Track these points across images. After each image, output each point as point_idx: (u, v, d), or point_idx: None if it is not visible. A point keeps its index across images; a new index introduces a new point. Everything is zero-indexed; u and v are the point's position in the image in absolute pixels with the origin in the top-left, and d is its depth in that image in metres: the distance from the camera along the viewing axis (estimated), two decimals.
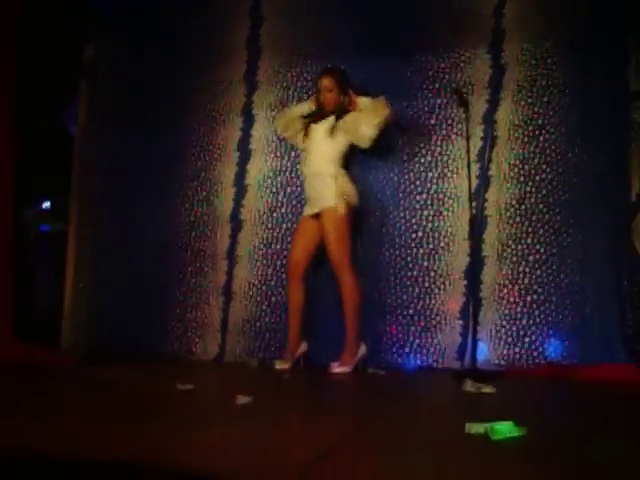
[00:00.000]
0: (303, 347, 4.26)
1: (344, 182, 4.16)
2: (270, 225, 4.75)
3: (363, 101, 4.21)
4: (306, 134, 4.31)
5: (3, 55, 4.54)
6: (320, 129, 4.24)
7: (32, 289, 5.76)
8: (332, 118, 4.23)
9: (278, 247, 4.71)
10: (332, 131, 4.21)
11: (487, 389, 3.26)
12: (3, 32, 4.54)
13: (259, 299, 4.71)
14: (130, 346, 4.76)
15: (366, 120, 4.14)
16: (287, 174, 4.74)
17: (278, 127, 4.52)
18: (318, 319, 4.43)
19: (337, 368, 4.03)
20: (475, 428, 2.33)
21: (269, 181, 4.79)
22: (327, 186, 4.15)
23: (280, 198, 4.75)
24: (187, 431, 2.22)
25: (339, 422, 2.54)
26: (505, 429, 2.30)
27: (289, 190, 4.70)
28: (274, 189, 4.77)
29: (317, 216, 4.20)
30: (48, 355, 4.44)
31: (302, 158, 4.37)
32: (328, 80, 4.26)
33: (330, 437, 2.22)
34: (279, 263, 4.68)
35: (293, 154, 4.76)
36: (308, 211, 4.28)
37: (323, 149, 4.22)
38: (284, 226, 4.72)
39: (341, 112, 4.24)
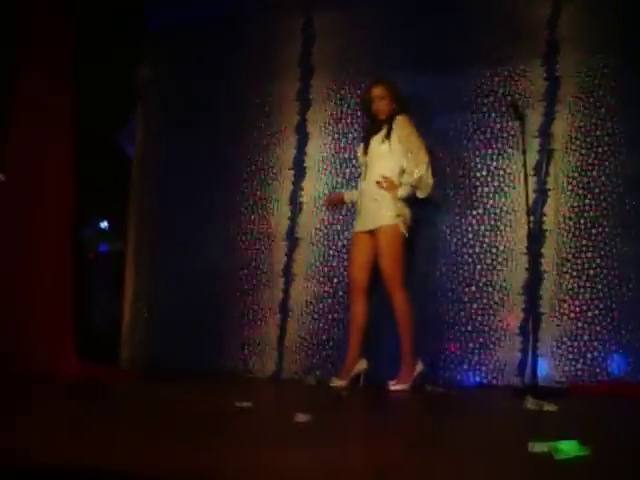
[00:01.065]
0: (363, 365, 4.22)
1: (402, 203, 4.11)
2: (326, 242, 4.75)
3: (408, 139, 4.15)
4: (365, 149, 4.27)
5: (62, 79, 4.68)
6: (376, 143, 4.20)
7: (91, 308, 5.88)
8: (386, 128, 4.18)
9: (334, 264, 4.71)
10: (387, 138, 4.15)
11: (549, 407, 3.19)
12: (61, 55, 4.66)
13: (316, 316, 4.71)
14: (187, 363, 4.81)
15: (415, 175, 4.10)
16: (342, 191, 4.72)
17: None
18: (376, 337, 4.40)
19: (394, 386, 3.99)
20: (539, 447, 2.27)
21: (324, 198, 4.79)
22: (384, 203, 4.10)
23: (335, 215, 4.75)
24: (247, 449, 2.22)
25: (399, 441, 2.52)
26: (570, 448, 2.25)
27: (344, 207, 4.69)
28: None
29: (371, 232, 4.16)
30: (107, 373, 4.51)
31: (362, 172, 4.32)
32: (379, 89, 4.23)
33: (391, 456, 2.19)
34: (335, 280, 4.67)
35: (348, 171, 4.76)
36: (361, 227, 4.22)
37: (381, 164, 4.16)
38: (339, 243, 4.72)
39: (391, 120, 4.19)
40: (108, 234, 7.17)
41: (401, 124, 4.17)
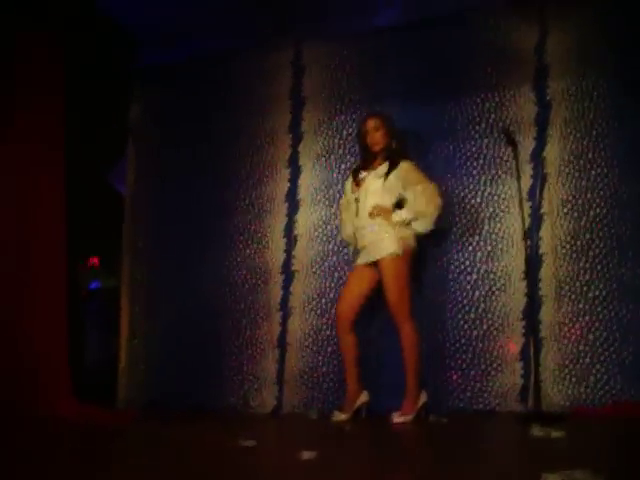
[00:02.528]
0: (364, 397, 4.17)
1: (401, 227, 4.08)
2: (322, 274, 4.73)
3: (415, 176, 4.15)
4: (357, 183, 4.25)
5: (52, 119, 4.66)
6: (373, 178, 4.17)
7: (86, 347, 5.82)
8: (386, 164, 4.17)
9: (331, 296, 4.68)
10: (386, 176, 4.13)
11: (556, 433, 3.16)
12: (50, 95, 4.66)
13: (315, 349, 4.67)
14: (186, 401, 4.78)
15: (421, 207, 4.08)
16: (336, 222, 4.71)
17: (346, 232, 4.39)
18: (378, 368, 4.37)
19: (398, 418, 3.94)
20: (552, 478, 2.24)
21: (319, 230, 4.78)
22: (384, 234, 4.08)
23: (331, 247, 4.73)
24: None
25: (408, 476, 2.48)
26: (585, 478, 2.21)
27: (339, 239, 4.66)
28: (324, 238, 4.76)
29: (372, 264, 4.13)
30: (104, 414, 4.44)
31: (352, 208, 4.24)
32: (374, 120, 4.24)
33: None
34: (333, 312, 4.62)
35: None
36: (362, 260, 4.19)
37: (377, 199, 4.13)
38: (336, 275, 4.70)
39: (393, 158, 4.18)
40: (99, 271, 7.14)
41: (408, 167, 4.16)
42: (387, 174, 4.13)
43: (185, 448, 3.16)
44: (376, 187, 4.15)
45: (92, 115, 5.01)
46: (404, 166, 4.15)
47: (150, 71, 5.40)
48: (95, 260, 7.18)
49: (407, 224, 4.10)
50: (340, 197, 4.66)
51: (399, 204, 4.16)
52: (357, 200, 4.21)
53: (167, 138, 5.32)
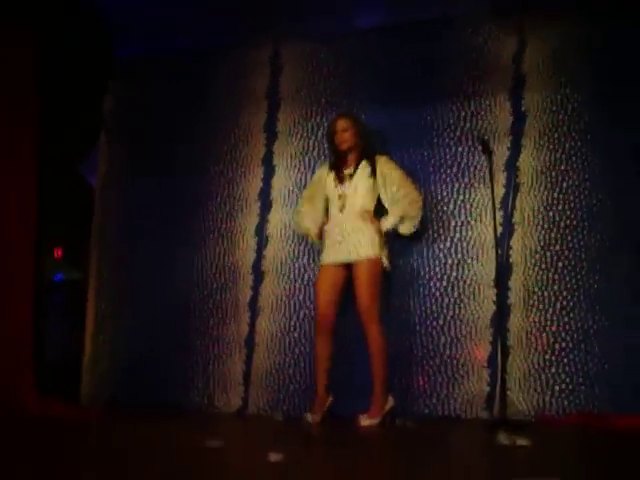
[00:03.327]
0: (330, 398, 4.17)
1: (383, 238, 4.16)
2: (292, 275, 4.71)
3: (396, 175, 4.24)
4: (340, 180, 4.26)
5: (25, 108, 4.59)
6: (361, 177, 4.21)
7: (49, 340, 5.73)
8: (366, 164, 4.22)
9: (301, 297, 4.66)
10: (373, 175, 4.21)
11: (522, 441, 3.18)
12: (24, 85, 4.59)
13: (282, 350, 4.65)
14: (151, 398, 4.72)
15: (405, 210, 4.19)
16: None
17: (304, 224, 4.43)
18: (342, 370, 4.35)
19: (365, 421, 3.94)
20: None
21: (291, 231, 4.75)
22: (365, 236, 4.12)
23: (302, 248, 4.71)
24: None
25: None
26: None
27: (310, 240, 4.65)
28: (296, 239, 4.74)
29: (346, 265, 4.15)
30: (68, 409, 4.38)
31: (334, 203, 4.25)
32: (343, 120, 4.29)
33: None
34: (302, 313, 4.63)
35: None
36: (334, 258, 4.18)
37: (362, 198, 4.20)
38: (306, 276, 4.68)
39: (368, 155, 4.24)
40: (63, 262, 7.03)
41: (386, 162, 4.27)
42: (373, 173, 4.20)
43: (150, 447, 3.13)
44: (365, 187, 4.21)
45: (65, 105, 4.94)
46: (382, 160, 4.26)
47: (127, 64, 5.33)
48: (59, 251, 7.07)
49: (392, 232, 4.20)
50: None
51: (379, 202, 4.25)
52: (343, 197, 4.22)
53: (141, 132, 5.26)
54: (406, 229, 4.23)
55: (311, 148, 4.82)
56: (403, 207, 4.18)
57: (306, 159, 4.82)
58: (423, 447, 3.30)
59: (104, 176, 5.29)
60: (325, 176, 4.37)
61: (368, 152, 4.26)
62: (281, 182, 4.86)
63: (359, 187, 4.21)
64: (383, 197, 4.25)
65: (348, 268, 4.16)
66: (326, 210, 4.35)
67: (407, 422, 3.97)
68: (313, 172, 4.74)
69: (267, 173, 4.90)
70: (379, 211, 4.27)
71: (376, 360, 4.03)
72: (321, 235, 4.33)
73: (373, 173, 4.22)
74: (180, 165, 5.08)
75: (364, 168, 4.23)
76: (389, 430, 3.86)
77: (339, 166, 4.30)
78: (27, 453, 2.96)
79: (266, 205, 4.86)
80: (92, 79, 5.16)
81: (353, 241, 4.13)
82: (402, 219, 4.19)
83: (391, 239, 4.28)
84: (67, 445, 3.28)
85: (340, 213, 4.21)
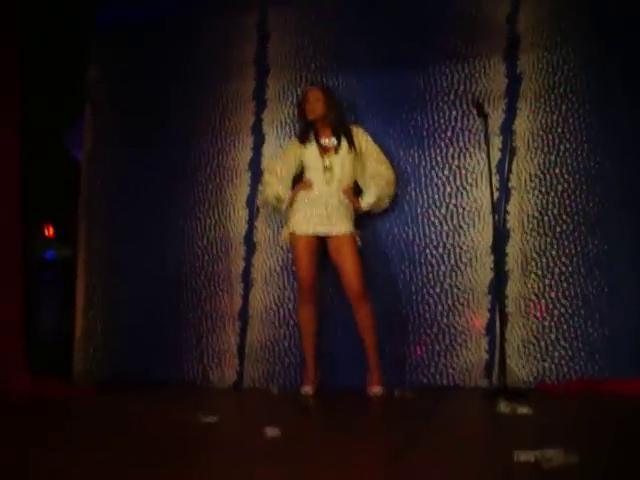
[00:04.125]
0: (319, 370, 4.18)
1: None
2: (285, 246, 4.61)
3: (372, 151, 4.24)
4: (325, 151, 4.19)
5: (7, 82, 4.47)
6: (345, 151, 4.18)
7: (41, 318, 5.66)
8: (344, 140, 4.20)
9: (294, 268, 4.56)
10: (353, 147, 4.20)
11: (523, 410, 3.13)
12: (6, 57, 4.46)
13: (276, 323, 4.57)
14: (144, 374, 4.65)
15: (382, 190, 4.21)
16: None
17: (276, 193, 4.36)
18: (328, 343, 4.32)
19: (377, 390, 3.93)
20: (524, 456, 2.20)
21: (258, 202, 4.68)
22: (349, 211, 4.15)
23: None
24: (219, 470, 2.10)
25: (376, 453, 2.42)
26: (556, 456, 2.17)
27: (277, 208, 4.52)
28: None
29: (323, 238, 4.13)
30: (61, 387, 4.31)
31: (319, 174, 4.19)
32: (313, 91, 4.26)
33: (369, 471, 2.09)
34: (296, 285, 4.54)
35: None
36: (314, 230, 4.13)
37: (348, 172, 4.20)
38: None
39: (343, 127, 4.22)
40: (54, 240, 6.95)
41: (362, 135, 4.26)
42: (352, 145, 4.19)
43: (144, 424, 3.07)
44: (349, 161, 4.19)
45: (48, 77, 4.81)
46: (359, 132, 4.26)
47: (109, 31, 5.17)
48: (50, 228, 6.99)
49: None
50: None
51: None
52: (329, 168, 4.16)
53: (126, 102, 5.10)
54: (379, 208, 4.28)
55: None
56: (381, 187, 4.20)
57: (296, 127, 4.69)
58: (422, 418, 3.24)
59: (90, 149, 5.15)
60: (297, 148, 4.30)
61: (340, 123, 4.22)
62: (271, 150, 4.74)
63: (346, 162, 4.18)
64: (358, 171, 4.25)
65: (322, 240, 4.14)
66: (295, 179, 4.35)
67: (405, 392, 3.90)
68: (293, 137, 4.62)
69: (257, 142, 4.78)
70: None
71: (371, 333, 4.02)
72: (291, 203, 4.26)
73: (352, 145, 4.19)
74: (167, 135, 4.94)
75: (345, 145, 4.19)
76: (387, 401, 3.79)
77: (316, 136, 4.23)
78: (18, 433, 2.90)
79: (257, 175, 4.75)
80: (75, 49, 5.02)
81: (338, 215, 4.11)
82: (379, 200, 4.21)
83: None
84: (60, 424, 3.22)
85: (327, 185, 4.15)
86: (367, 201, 4.18)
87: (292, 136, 4.70)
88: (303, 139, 4.28)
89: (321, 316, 4.23)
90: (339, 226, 4.09)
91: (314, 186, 4.19)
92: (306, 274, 4.14)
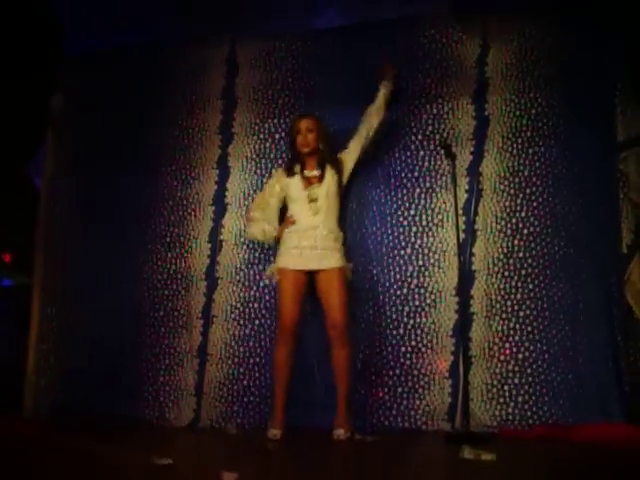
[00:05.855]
0: None
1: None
2: (247, 282, 4.53)
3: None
4: (309, 182, 4.12)
5: None
6: (331, 180, 4.11)
7: None
8: (330, 168, 4.12)
9: (256, 305, 4.49)
10: (340, 179, 4.15)
11: (487, 456, 3.07)
12: None
13: (236, 361, 4.46)
14: (98, 411, 4.50)
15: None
16: None
17: (261, 229, 4.22)
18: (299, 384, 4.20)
19: (341, 433, 3.82)
20: None
21: (245, 236, 4.57)
22: (338, 243, 4.07)
23: (257, 254, 4.54)
24: None
25: None
26: None
27: (266, 245, 4.47)
28: (251, 245, 4.55)
29: (312, 273, 4.03)
30: (8, 422, 4.15)
31: (304, 206, 4.09)
32: (307, 121, 4.14)
33: None
34: (257, 322, 4.46)
35: None
36: (300, 265, 4.03)
37: (334, 201, 4.13)
38: (261, 283, 4.50)
39: (329, 159, 4.13)
40: (10, 267, 6.81)
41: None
42: (338, 172, 4.14)
43: (94, 465, 2.94)
44: (334, 189, 4.12)
45: (11, 103, 4.72)
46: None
47: (76, 60, 5.11)
48: (7, 256, 6.85)
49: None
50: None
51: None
52: (314, 200, 4.07)
53: (90, 131, 5.02)
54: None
55: (268, 150, 4.65)
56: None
57: (262, 162, 4.65)
58: (385, 462, 3.15)
59: (50, 176, 5.04)
60: (283, 179, 4.20)
61: (330, 156, 4.15)
62: (236, 185, 4.68)
63: (330, 190, 4.10)
64: (353, 155, 4.21)
65: (309, 275, 4.04)
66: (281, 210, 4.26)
67: (367, 437, 3.81)
68: (270, 175, 4.55)
69: (222, 176, 4.72)
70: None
71: (346, 375, 3.94)
72: (279, 238, 4.16)
73: (337, 172, 4.14)
74: (131, 166, 4.86)
75: (329, 169, 4.12)
76: (348, 444, 3.70)
77: (301, 168, 4.16)
78: None
79: (220, 209, 4.67)
80: (40, 76, 4.94)
81: (327, 247, 4.03)
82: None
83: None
84: (4, 463, 3.06)
85: (313, 217, 4.06)
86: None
87: (258, 170, 4.66)
88: (289, 171, 4.19)
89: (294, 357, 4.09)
90: (329, 260, 4.00)
91: (300, 220, 4.10)
92: (289, 314, 4.00)
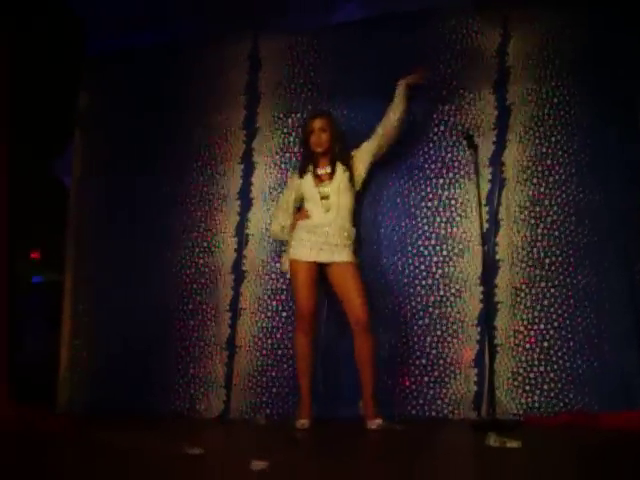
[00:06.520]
0: None
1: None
2: (274, 275, 4.60)
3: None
4: (320, 180, 4.15)
5: None
6: (342, 177, 4.12)
7: (27, 345, 5.60)
8: (340, 165, 4.13)
9: (282, 297, 4.55)
10: (347, 170, 4.14)
11: (512, 443, 3.10)
12: None
13: (264, 352, 4.53)
14: (130, 405, 4.62)
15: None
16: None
17: (279, 231, 4.30)
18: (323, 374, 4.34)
19: (376, 424, 3.83)
20: None
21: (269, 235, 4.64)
22: (351, 239, 4.10)
23: (283, 247, 4.55)
24: None
25: None
26: None
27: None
28: None
29: (325, 265, 4.06)
30: (44, 417, 4.23)
31: (316, 203, 4.13)
32: (321, 120, 4.16)
33: None
34: (284, 314, 4.52)
35: None
36: (314, 257, 4.07)
37: (345, 197, 4.12)
38: (287, 275, 4.55)
39: (342, 159, 4.15)
40: (41, 265, 6.91)
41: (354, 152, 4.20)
42: (349, 168, 4.14)
43: (127, 457, 3.01)
44: (345, 185, 4.12)
45: (40, 103, 4.81)
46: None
47: (102, 60, 5.20)
48: (37, 254, 6.95)
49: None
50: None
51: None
52: (326, 197, 4.11)
53: (117, 129, 5.12)
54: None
55: (292, 144, 4.71)
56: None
57: (287, 155, 4.71)
58: (412, 451, 3.20)
59: (79, 175, 5.14)
60: (296, 181, 4.26)
61: (342, 154, 4.16)
62: (261, 180, 4.75)
63: (342, 186, 4.11)
64: (364, 156, 4.20)
65: (322, 268, 4.09)
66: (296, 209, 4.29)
67: (394, 425, 3.85)
68: (294, 169, 4.62)
69: (247, 170, 4.78)
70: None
71: (372, 364, 3.95)
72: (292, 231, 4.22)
73: (348, 168, 4.14)
74: (157, 163, 4.95)
75: (340, 166, 4.14)
76: (376, 434, 3.75)
77: (314, 166, 4.19)
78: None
79: (246, 204, 4.74)
80: (65, 76, 5.02)
81: (338, 243, 4.06)
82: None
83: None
84: (42, 457, 3.15)
85: (325, 214, 4.10)
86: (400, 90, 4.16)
87: (282, 165, 4.71)
88: (302, 171, 4.24)
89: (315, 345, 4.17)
90: (340, 253, 4.04)
91: (313, 216, 4.15)
92: (306, 302, 4.05)
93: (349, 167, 4.15)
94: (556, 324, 4.09)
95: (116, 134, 5.12)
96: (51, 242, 5.80)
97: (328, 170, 4.15)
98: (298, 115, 4.71)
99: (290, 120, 4.74)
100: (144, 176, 4.96)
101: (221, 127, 4.88)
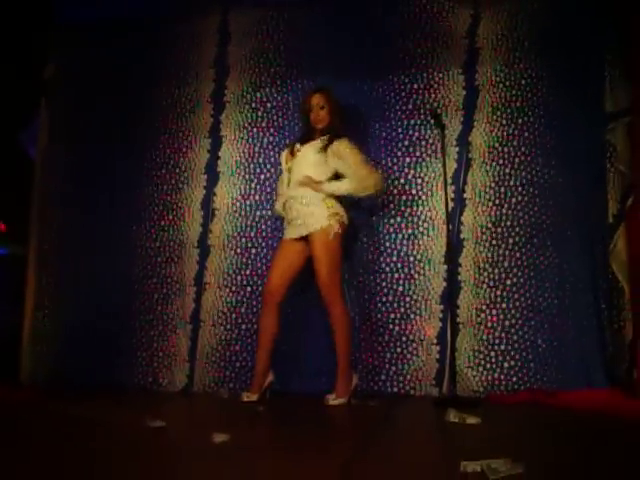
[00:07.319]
0: (270, 377, 4.06)
1: (334, 201, 3.96)
2: (239, 250, 4.59)
3: (354, 157, 4.00)
4: (292, 153, 4.10)
5: None
6: (310, 150, 4.03)
7: None
8: (325, 138, 4.03)
9: (247, 272, 4.55)
10: (324, 150, 3.99)
11: (472, 419, 3.16)
12: None
13: (228, 327, 4.54)
14: (93, 378, 4.57)
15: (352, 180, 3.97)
16: (257, 197, 4.60)
17: (281, 208, 4.18)
18: (298, 349, 4.36)
19: (334, 400, 3.85)
20: (471, 466, 2.22)
21: (238, 204, 4.63)
22: (316, 207, 3.93)
23: (249, 222, 4.60)
24: (164, 477, 2.07)
25: (324, 461, 2.41)
26: (503, 467, 2.19)
27: (258, 214, 4.56)
28: (243, 213, 4.62)
29: (303, 239, 3.99)
30: (7, 389, 4.22)
31: (283, 178, 4.13)
32: (319, 97, 4.09)
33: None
34: (249, 289, 4.52)
35: (262, 177, 4.63)
36: (291, 234, 4.02)
37: (311, 171, 3.99)
38: (253, 251, 4.57)
39: (334, 134, 4.03)
40: (5, 237, 6.81)
41: (342, 143, 3.99)
42: (325, 148, 4.00)
43: (90, 429, 3.01)
44: (312, 159, 4.01)
45: (4, 72, 4.72)
46: (344, 143, 4.00)
47: (70, 29, 5.10)
48: (2, 226, 6.85)
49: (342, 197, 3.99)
50: (261, 171, 4.63)
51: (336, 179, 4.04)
52: (290, 170, 4.07)
53: (84, 100, 5.03)
54: (363, 194, 4.05)
55: (260, 119, 4.69)
56: (359, 175, 3.96)
57: (254, 130, 4.69)
58: (372, 426, 3.24)
59: (44, 146, 5.06)
60: (284, 153, 4.22)
61: (334, 131, 4.04)
62: (228, 154, 4.72)
63: (304, 159, 4.03)
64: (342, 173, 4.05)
65: (306, 243, 4.01)
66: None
67: (367, 401, 3.88)
68: (261, 144, 4.64)
69: (214, 144, 4.76)
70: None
71: (340, 338, 3.91)
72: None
73: (324, 149, 4.01)
74: (123, 135, 4.89)
75: (316, 144, 4.04)
76: (338, 409, 3.78)
77: (301, 141, 4.14)
78: None
79: (213, 177, 4.72)
80: (32, 45, 4.93)
81: (303, 213, 3.97)
82: (358, 186, 3.97)
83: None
84: (4, 428, 3.14)
85: (288, 187, 4.06)
86: (333, 184, 3.97)
87: (250, 139, 4.69)
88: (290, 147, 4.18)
89: (287, 321, 4.15)
90: (307, 224, 3.94)
91: (283, 192, 4.13)
92: (273, 279, 4.01)
93: (326, 145, 4.01)
94: (518, 303, 4.15)
95: (83, 105, 5.04)
96: (15, 214, 5.72)
97: (298, 146, 4.10)
98: (267, 90, 4.70)
99: (259, 94, 4.71)
100: (110, 147, 4.89)
101: (189, 100, 4.84)
